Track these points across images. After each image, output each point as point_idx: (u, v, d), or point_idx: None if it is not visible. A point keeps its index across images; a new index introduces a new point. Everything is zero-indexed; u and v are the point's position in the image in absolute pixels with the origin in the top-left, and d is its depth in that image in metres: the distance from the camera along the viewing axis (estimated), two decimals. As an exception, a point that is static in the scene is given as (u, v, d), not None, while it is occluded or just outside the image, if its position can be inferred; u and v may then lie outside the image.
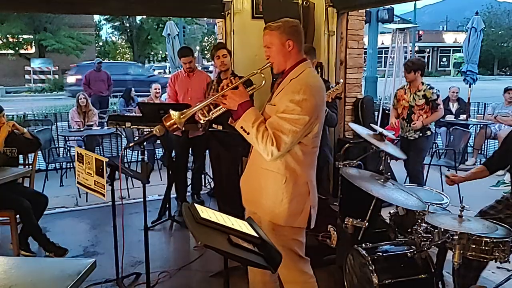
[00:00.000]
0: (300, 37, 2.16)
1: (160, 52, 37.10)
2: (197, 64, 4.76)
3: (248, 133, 2.07)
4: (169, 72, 25.45)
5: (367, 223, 2.76)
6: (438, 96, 4.58)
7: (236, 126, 2.12)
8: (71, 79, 17.57)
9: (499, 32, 36.63)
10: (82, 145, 6.05)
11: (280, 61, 2.15)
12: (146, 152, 4.86)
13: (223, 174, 4.31)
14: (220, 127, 3.71)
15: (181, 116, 2.06)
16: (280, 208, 2.14)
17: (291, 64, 2.15)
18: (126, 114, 7.62)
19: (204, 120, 2.19)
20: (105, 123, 6.87)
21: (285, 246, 2.17)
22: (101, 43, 36.91)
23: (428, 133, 4.68)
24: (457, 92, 7.51)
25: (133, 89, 9.33)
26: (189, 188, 5.13)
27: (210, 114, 2.18)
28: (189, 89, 4.61)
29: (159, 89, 7.18)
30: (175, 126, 2.07)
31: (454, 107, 7.47)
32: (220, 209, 4.11)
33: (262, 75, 2.21)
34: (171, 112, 2.08)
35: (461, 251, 2.29)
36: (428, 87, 4.58)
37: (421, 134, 4.62)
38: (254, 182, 2.25)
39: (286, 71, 2.17)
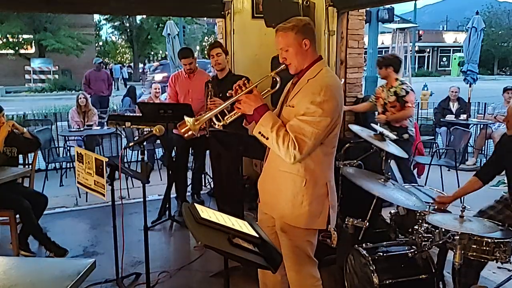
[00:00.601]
0: (314, 35, 2.13)
1: (160, 52, 37.06)
2: (197, 65, 4.74)
3: (267, 138, 2.02)
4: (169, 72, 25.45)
5: (367, 223, 2.76)
6: (407, 92, 4.38)
7: (254, 132, 2.07)
8: (158, 77, 17.44)
9: (499, 32, 36.65)
10: (82, 145, 6.05)
11: (299, 62, 2.10)
12: (146, 152, 4.86)
13: (222, 174, 4.30)
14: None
15: (196, 123, 2.03)
16: (300, 210, 2.10)
17: (308, 63, 2.11)
18: (126, 114, 7.63)
19: (219, 126, 2.15)
20: (105, 123, 6.87)
21: (297, 246, 2.15)
22: (101, 43, 36.94)
23: (405, 136, 4.46)
24: (456, 92, 7.50)
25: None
26: (189, 188, 5.12)
27: (225, 119, 2.14)
28: (190, 91, 4.59)
29: (159, 89, 7.17)
30: (190, 132, 2.03)
31: (454, 107, 7.46)
32: (219, 209, 4.10)
33: (277, 79, 2.17)
34: (186, 118, 2.04)
35: (462, 252, 2.29)
36: (400, 83, 4.43)
37: (397, 137, 4.26)
38: (272, 184, 2.20)
39: (302, 70, 2.13)
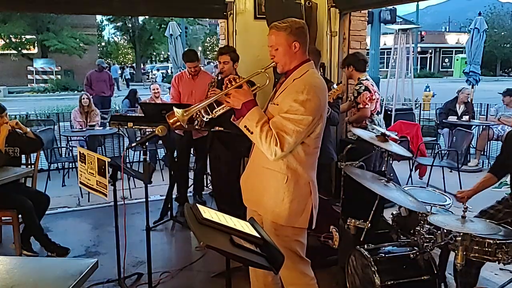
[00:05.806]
0: (306, 39, 2.17)
1: (162, 52, 37.16)
2: (199, 65, 4.76)
3: (252, 133, 2.07)
4: (171, 73, 25.52)
5: (369, 224, 2.75)
6: (359, 93, 4.16)
7: (240, 125, 2.12)
8: None
9: (502, 33, 36.55)
10: (84, 145, 6.05)
11: (285, 62, 2.16)
12: (148, 152, 4.86)
13: (222, 174, 4.30)
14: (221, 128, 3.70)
15: (185, 114, 2.07)
16: (281, 207, 2.14)
17: (295, 64, 2.16)
18: (128, 114, 7.63)
19: (207, 118, 2.19)
20: (107, 123, 6.87)
21: (286, 247, 2.16)
22: (103, 44, 37.02)
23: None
24: (468, 95, 7.37)
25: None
26: (190, 189, 5.12)
27: (214, 112, 2.18)
28: (193, 91, 4.59)
29: (157, 89, 7.17)
30: (178, 123, 2.08)
31: (460, 109, 7.40)
32: (219, 209, 4.10)
33: (267, 75, 2.22)
34: (175, 109, 2.09)
35: (464, 253, 2.28)
36: (359, 83, 4.20)
37: (356, 138, 4.09)
38: (255, 181, 2.25)
39: (289, 70, 2.18)
